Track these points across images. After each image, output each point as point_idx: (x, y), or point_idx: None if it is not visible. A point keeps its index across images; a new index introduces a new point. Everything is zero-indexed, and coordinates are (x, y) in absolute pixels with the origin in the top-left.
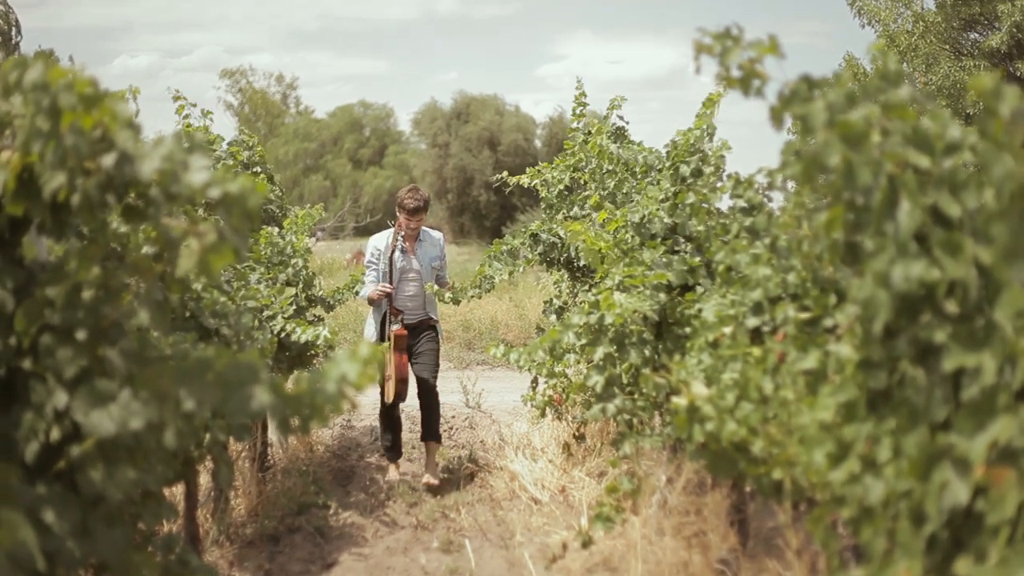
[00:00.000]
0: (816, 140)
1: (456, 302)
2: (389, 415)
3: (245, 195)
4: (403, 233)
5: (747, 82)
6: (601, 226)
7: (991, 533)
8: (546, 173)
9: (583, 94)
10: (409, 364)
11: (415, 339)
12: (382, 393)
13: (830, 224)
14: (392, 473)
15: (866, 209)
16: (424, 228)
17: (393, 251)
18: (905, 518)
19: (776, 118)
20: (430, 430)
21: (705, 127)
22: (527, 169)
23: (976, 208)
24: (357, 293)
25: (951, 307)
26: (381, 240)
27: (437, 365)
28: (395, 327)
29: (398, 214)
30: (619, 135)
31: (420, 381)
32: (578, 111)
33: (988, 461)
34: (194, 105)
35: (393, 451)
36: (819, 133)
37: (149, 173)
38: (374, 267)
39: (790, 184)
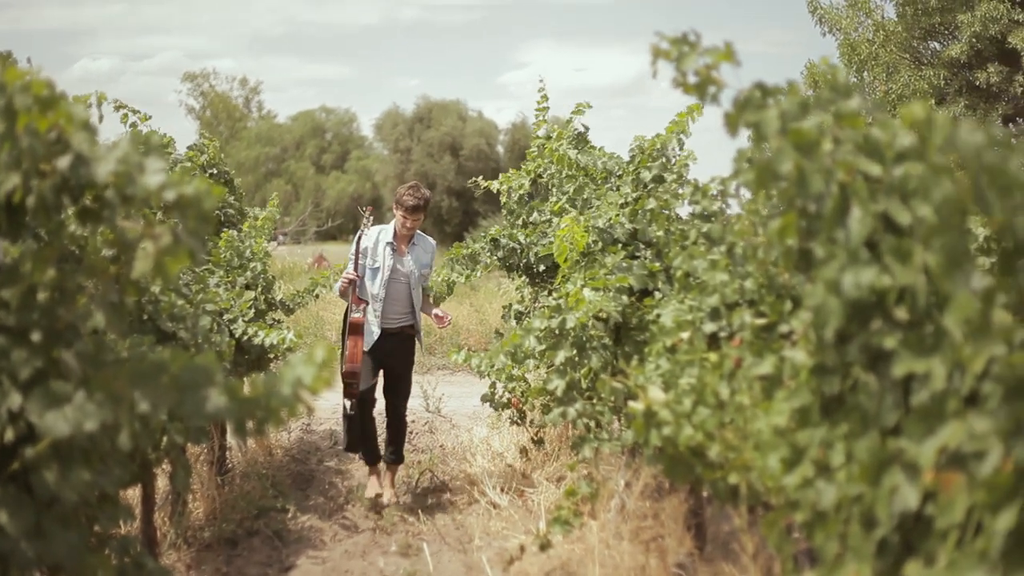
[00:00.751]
0: (769, 147)
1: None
2: (362, 423)
3: (200, 198)
4: (397, 232)
5: (703, 88)
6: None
7: (940, 537)
8: (513, 180)
9: (545, 97)
10: (379, 374)
11: (392, 350)
12: (346, 394)
13: (783, 231)
14: (372, 488)
15: (818, 216)
16: (418, 232)
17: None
18: (856, 522)
19: (731, 124)
20: (396, 453)
21: (676, 133)
22: (499, 175)
23: (924, 216)
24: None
25: (901, 314)
26: (374, 232)
27: (408, 392)
28: (355, 314)
29: (395, 211)
30: (580, 141)
31: (391, 406)
32: (539, 117)
33: (937, 466)
34: (136, 112)
35: (370, 455)
36: (772, 140)
37: (104, 175)
38: (351, 261)
39: (744, 191)
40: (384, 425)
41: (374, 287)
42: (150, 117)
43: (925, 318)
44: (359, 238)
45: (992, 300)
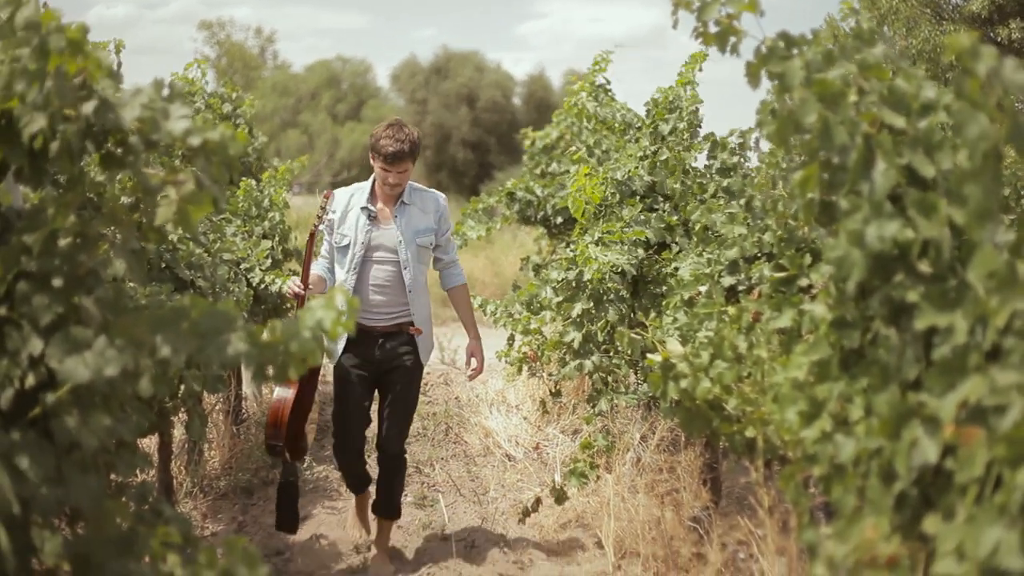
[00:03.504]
0: (793, 98)
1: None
2: (350, 465)
3: (226, 143)
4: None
5: (724, 38)
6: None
7: (959, 492)
8: (552, 131)
9: (598, 62)
10: (371, 395)
11: (387, 359)
12: (337, 432)
13: (805, 183)
14: (353, 526)
15: (841, 168)
16: (414, 185)
17: (353, 215)
18: (875, 476)
19: (753, 75)
20: (388, 504)
21: (684, 85)
22: (545, 126)
23: (950, 169)
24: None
25: (924, 267)
26: (343, 196)
27: (410, 419)
28: None
29: (372, 163)
30: (601, 92)
31: (383, 438)
32: (589, 76)
33: (958, 420)
34: (203, 68)
35: (353, 480)
36: (796, 91)
37: (129, 121)
38: (325, 240)
39: (764, 144)
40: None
41: (343, 273)
42: (206, 61)
43: (948, 272)
44: (313, 231)
45: (1018, 253)
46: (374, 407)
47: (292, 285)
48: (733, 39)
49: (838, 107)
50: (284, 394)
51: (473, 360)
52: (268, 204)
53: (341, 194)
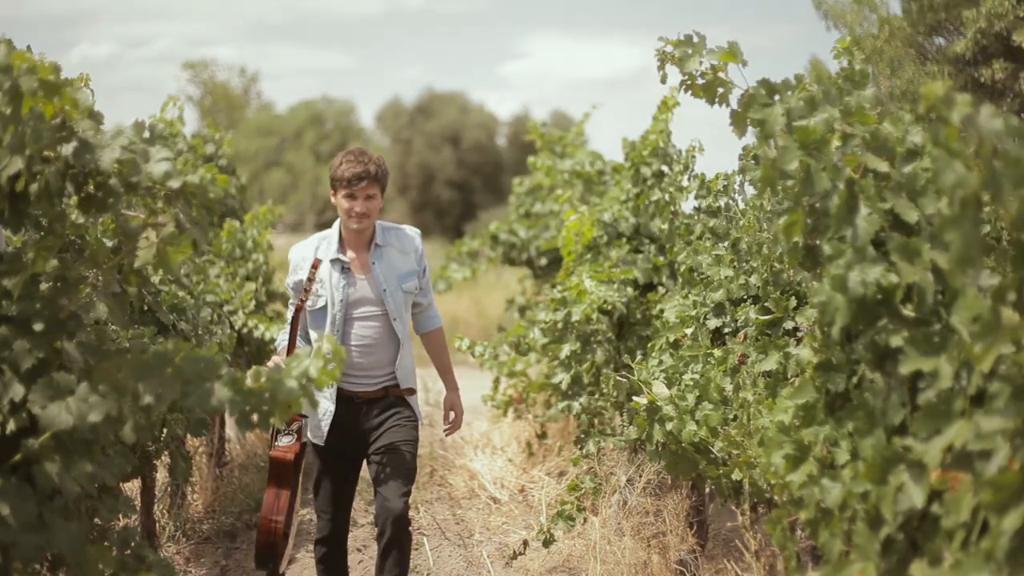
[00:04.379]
0: (776, 145)
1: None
2: (334, 559)
3: (206, 187)
4: (345, 231)
5: (711, 90)
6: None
7: (946, 537)
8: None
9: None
10: (345, 478)
11: (373, 427)
12: (322, 516)
13: (789, 229)
14: None
15: (824, 214)
16: (384, 223)
17: (317, 270)
18: (862, 521)
19: (738, 124)
20: None
21: (660, 131)
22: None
23: (933, 214)
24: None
25: (908, 312)
26: (307, 251)
27: (411, 479)
28: (283, 440)
29: (334, 199)
30: (569, 144)
31: (382, 506)
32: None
33: (943, 465)
34: (179, 104)
35: None
36: (778, 138)
37: (109, 163)
38: (292, 304)
39: (748, 188)
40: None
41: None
42: (182, 105)
43: (933, 316)
44: (300, 305)
45: (1001, 298)
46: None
47: (276, 357)
48: (721, 90)
49: (820, 153)
50: (274, 514)
51: (451, 414)
52: (251, 246)
53: (304, 250)
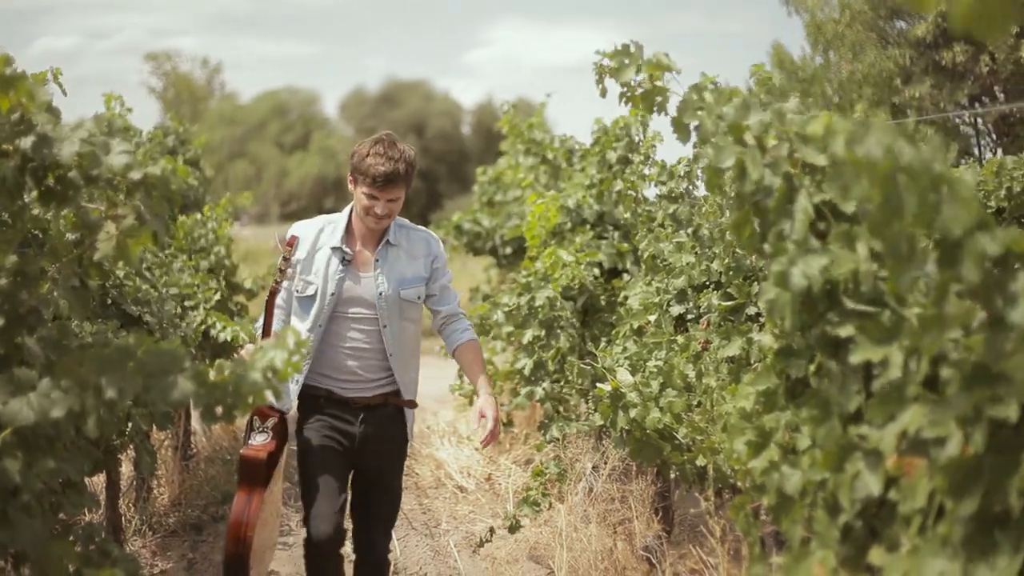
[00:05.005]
0: (712, 146)
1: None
2: (324, 562)
3: (167, 178)
4: (358, 223)
5: (650, 99)
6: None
7: (903, 522)
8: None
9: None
10: (347, 480)
11: (369, 436)
12: (309, 511)
13: (739, 226)
14: None
15: (766, 209)
16: (400, 221)
17: (318, 258)
18: (821, 508)
19: (679, 129)
20: None
21: (639, 116)
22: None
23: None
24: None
25: (851, 303)
26: (309, 231)
27: (395, 515)
28: (257, 439)
29: (353, 188)
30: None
31: (363, 538)
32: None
33: (899, 451)
34: (119, 99)
35: None
36: (715, 139)
37: (69, 156)
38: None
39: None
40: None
41: (302, 329)
42: (131, 109)
43: (880, 303)
44: (274, 288)
45: (943, 293)
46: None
47: (246, 350)
48: (659, 98)
49: (755, 150)
50: (243, 514)
51: (485, 420)
52: (213, 238)
53: (305, 229)
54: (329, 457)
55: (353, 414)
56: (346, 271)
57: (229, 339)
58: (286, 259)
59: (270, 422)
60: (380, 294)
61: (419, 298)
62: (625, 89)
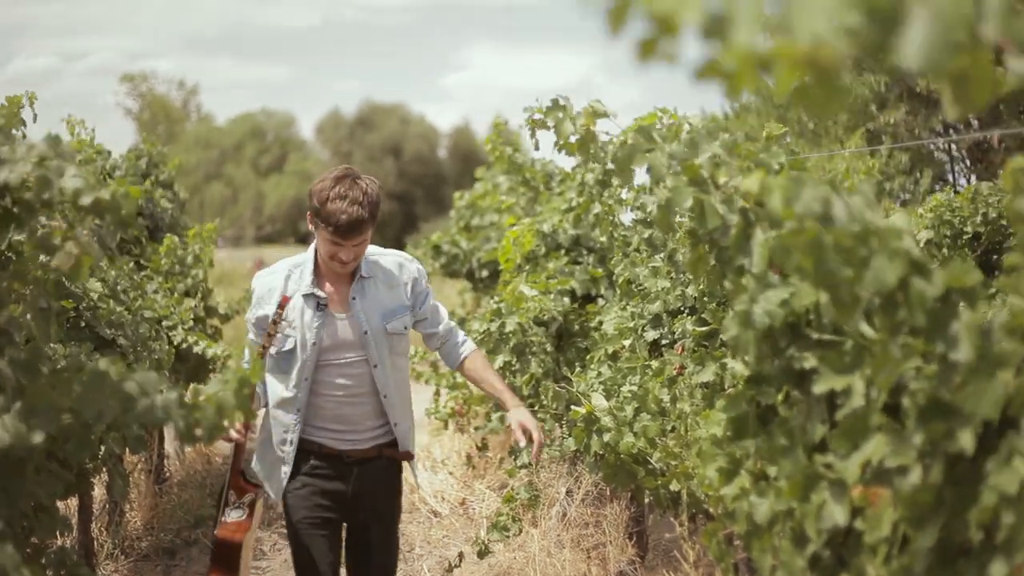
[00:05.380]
0: (666, 187)
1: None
2: None
3: (118, 202)
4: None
5: (584, 146)
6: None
7: (869, 552)
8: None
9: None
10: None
11: (359, 495)
12: None
13: (695, 266)
14: None
15: (724, 246)
16: (371, 250)
17: (285, 310)
18: (787, 539)
19: (623, 173)
20: None
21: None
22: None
23: None
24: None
25: (813, 334)
26: (273, 282)
27: (395, 566)
28: (232, 515)
29: (314, 229)
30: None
31: None
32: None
33: (863, 481)
34: (81, 122)
35: None
36: (668, 179)
37: (17, 179)
38: (252, 340)
39: None
40: None
41: (287, 388)
42: (92, 131)
43: (845, 334)
44: (263, 352)
45: (893, 333)
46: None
47: (231, 431)
48: (592, 146)
49: (710, 188)
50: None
51: (527, 432)
52: (192, 261)
53: (272, 280)
54: (320, 527)
55: (346, 470)
56: (324, 316)
57: (209, 355)
58: (276, 322)
59: (247, 498)
60: (365, 332)
61: (406, 328)
62: (559, 141)
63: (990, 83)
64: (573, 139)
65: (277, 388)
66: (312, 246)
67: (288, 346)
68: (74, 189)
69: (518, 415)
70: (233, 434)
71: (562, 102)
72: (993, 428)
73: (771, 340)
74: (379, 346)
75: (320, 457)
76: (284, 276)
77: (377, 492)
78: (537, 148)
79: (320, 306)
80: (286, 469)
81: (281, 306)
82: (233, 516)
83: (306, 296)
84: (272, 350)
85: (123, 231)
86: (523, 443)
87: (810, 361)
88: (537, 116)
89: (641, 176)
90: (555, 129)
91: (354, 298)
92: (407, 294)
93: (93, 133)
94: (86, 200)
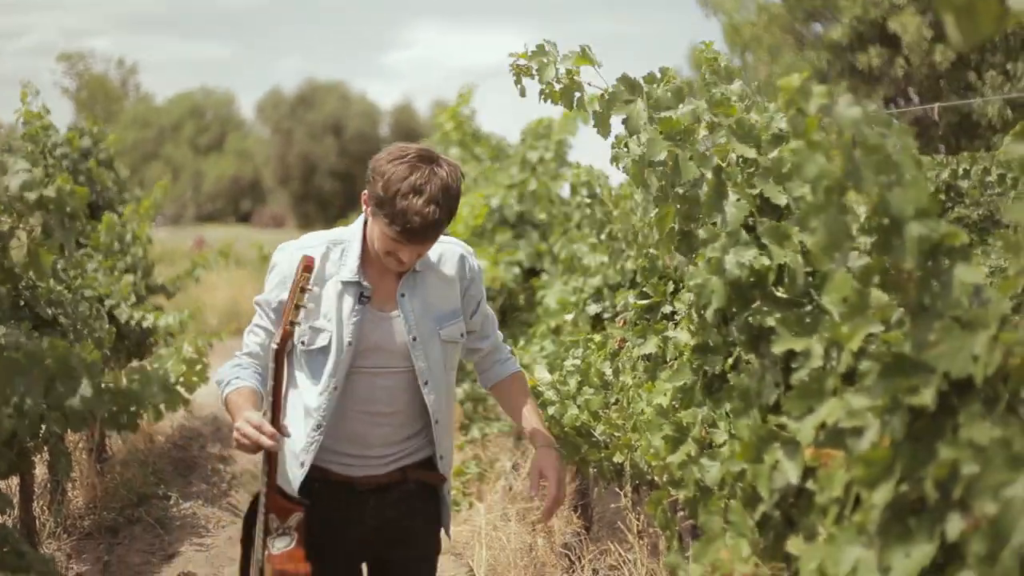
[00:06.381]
0: (641, 140)
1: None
2: None
3: (63, 199)
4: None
5: (568, 95)
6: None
7: (820, 512)
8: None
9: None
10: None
11: (381, 536)
12: None
13: (662, 220)
14: None
15: (695, 201)
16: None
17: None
18: (737, 499)
19: (602, 124)
20: None
21: (572, 119)
22: None
23: (801, 196)
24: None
25: (780, 293)
26: (297, 257)
27: None
28: (277, 544)
29: (371, 218)
30: (466, 123)
31: None
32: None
33: (816, 442)
34: (37, 92)
35: None
36: (643, 132)
37: None
38: (261, 328)
39: (621, 176)
40: None
41: (312, 395)
42: (48, 112)
43: (804, 297)
44: (287, 332)
45: (869, 279)
46: None
47: (261, 437)
48: (578, 94)
49: (687, 143)
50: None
51: (546, 482)
52: (131, 239)
53: (299, 254)
54: (336, 568)
55: (358, 504)
56: (364, 312)
57: (168, 323)
58: (304, 289)
59: (294, 520)
60: (414, 338)
61: (462, 336)
62: (544, 87)
63: (995, 15)
64: (558, 87)
65: (307, 394)
66: (360, 221)
67: (321, 342)
68: (19, 186)
69: (543, 459)
70: (265, 441)
71: (547, 47)
72: (957, 387)
73: (737, 293)
74: (430, 356)
75: (325, 486)
76: (321, 253)
77: (403, 523)
78: (523, 95)
79: (363, 298)
80: (297, 472)
81: (308, 268)
82: (280, 545)
83: (347, 284)
84: (303, 336)
85: (71, 224)
86: (535, 493)
87: (770, 321)
88: (521, 62)
89: (588, 156)
90: (537, 74)
91: (403, 295)
92: (461, 292)
93: (45, 109)
94: (31, 196)
